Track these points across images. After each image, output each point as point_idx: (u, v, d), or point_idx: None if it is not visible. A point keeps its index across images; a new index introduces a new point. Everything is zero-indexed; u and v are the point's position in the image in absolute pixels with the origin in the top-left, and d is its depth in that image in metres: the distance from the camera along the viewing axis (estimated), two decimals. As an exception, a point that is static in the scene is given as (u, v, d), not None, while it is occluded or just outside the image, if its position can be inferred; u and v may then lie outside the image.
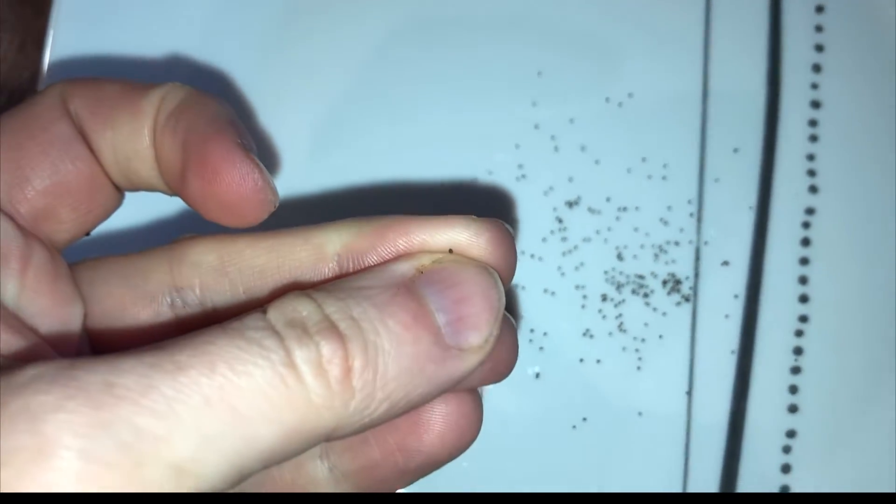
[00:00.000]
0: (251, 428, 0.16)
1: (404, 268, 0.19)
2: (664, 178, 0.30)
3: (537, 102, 0.30)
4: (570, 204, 0.30)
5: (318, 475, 0.22)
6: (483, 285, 0.19)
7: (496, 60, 0.31)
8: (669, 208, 0.30)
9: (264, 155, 0.30)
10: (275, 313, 0.18)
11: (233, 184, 0.21)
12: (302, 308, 0.18)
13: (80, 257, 0.22)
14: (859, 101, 0.30)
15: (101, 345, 0.22)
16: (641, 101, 0.30)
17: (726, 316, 0.29)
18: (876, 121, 0.30)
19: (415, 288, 0.19)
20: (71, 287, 0.21)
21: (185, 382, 0.16)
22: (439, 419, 0.21)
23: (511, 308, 0.30)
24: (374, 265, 0.20)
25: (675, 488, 0.29)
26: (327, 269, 0.21)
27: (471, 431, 0.21)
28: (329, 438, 0.18)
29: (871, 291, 0.30)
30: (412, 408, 0.18)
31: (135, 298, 0.22)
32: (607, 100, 0.30)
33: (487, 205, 0.30)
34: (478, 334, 0.19)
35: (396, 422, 0.20)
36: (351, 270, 0.21)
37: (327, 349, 0.17)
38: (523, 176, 0.30)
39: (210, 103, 0.22)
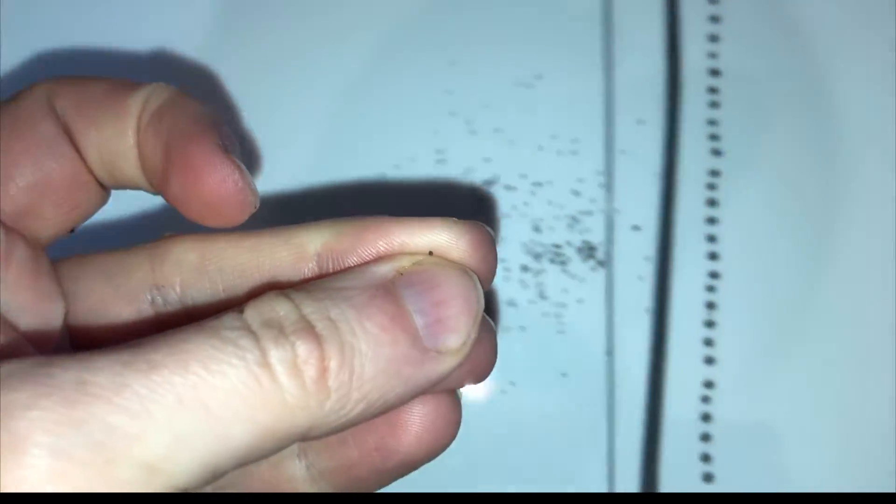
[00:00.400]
0: (224, 427, 0.16)
1: (384, 269, 0.20)
2: (574, 152, 0.32)
3: (452, 91, 0.32)
4: (488, 183, 0.32)
5: (295, 474, 0.22)
6: (462, 288, 0.19)
7: (412, 54, 0.33)
8: (580, 180, 0.32)
9: (247, 156, 0.31)
10: (251, 313, 0.18)
11: (213, 184, 0.21)
12: (279, 308, 0.18)
13: (64, 254, 0.23)
14: (756, 67, 0.32)
15: (82, 342, 0.22)
16: (549, 82, 0.32)
17: (639, 277, 0.31)
18: (773, 85, 0.32)
19: (394, 289, 0.19)
20: (53, 284, 0.22)
21: (158, 381, 0.16)
22: (417, 420, 0.21)
23: (490, 311, 0.32)
24: (354, 266, 0.20)
25: (601, 443, 0.30)
26: (307, 269, 0.21)
27: (448, 433, 0.21)
28: (304, 438, 0.18)
29: (776, 242, 0.31)
30: (389, 409, 0.19)
31: (116, 296, 0.22)
32: (517, 83, 0.32)
33: (413, 192, 0.32)
34: (456, 337, 0.19)
35: (374, 422, 0.21)
36: (331, 271, 0.21)
37: (303, 349, 0.17)
38: (443, 160, 0.32)
39: (194, 104, 0.22)
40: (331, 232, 0.21)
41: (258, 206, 0.22)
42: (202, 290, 0.22)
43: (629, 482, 0.30)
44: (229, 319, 0.18)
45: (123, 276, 0.22)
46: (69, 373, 0.16)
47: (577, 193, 0.32)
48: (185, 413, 0.16)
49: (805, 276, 0.31)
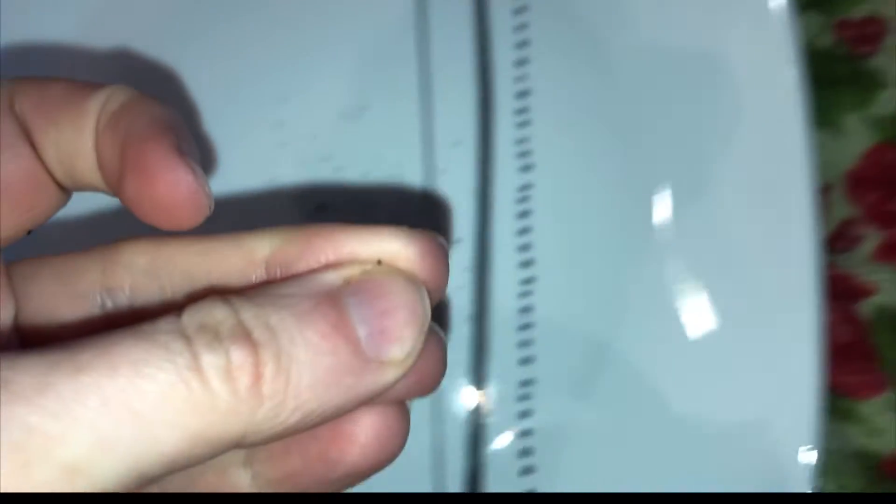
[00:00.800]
0: (151, 431, 0.16)
1: (330, 278, 0.19)
2: (399, 176, 0.34)
3: (283, 123, 0.35)
4: (319, 208, 0.34)
5: (240, 482, 0.22)
6: (408, 297, 0.19)
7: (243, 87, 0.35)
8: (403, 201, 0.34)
9: (204, 158, 0.32)
10: (188, 317, 0.17)
11: (167, 187, 0.20)
12: (217, 313, 0.18)
13: (22, 255, 0.23)
14: (563, 87, 0.35)
15: (32, 343, 0.22)
16: (373, 112, 0.35)
17: (460, 287, 0.34)
18: (579, 103, 0.35)
19: (338, 298, 0.19)
20: (3, 284, 0.21)
21: (84, 382, 0.16)
22: (362, 431, 0.21)
23: (442, 322, 0.34)
24: (301, 274, 0.20)
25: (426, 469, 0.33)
26: (255, 275, 0.21)
27: (395, 444, 0.21)
28: (239, 446, 0.17)
29: (586, 246, 0.34)
30: (328, 419, 0.18)
31: (66, 298, 0.22)
32: (344, 115, 0.35)
33: (242, 214, 0.34)
34: (399, 347, 0.19)
35: (317, 431, 0.20)
36: (279, 278, 0.20)
37: (237, 356, 0.17)
38: (275, 187, 0.35)
39: (152, 106, 0.21)
40: (281, 238, 0.21)
41: (213, 209, 0.21)
42: (151, 294, 0.22)
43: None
44: (165, 323, 0.17)
45: (74, 278, 0.22)
46: None
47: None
48: (110, 415, 0.16)
49: (617, 279, 0.34)
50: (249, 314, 0.18)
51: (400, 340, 0.19)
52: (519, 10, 0.35)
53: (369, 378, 0.18)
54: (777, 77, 0.33)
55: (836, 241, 0.38)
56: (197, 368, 0.17)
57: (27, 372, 0.16)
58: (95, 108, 0.21)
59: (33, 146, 0.21)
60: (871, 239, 0.38)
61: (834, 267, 0.38)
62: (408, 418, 0.21)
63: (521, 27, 0.35)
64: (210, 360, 0.17)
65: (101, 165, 0.21)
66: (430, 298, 0.20)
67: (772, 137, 0.33)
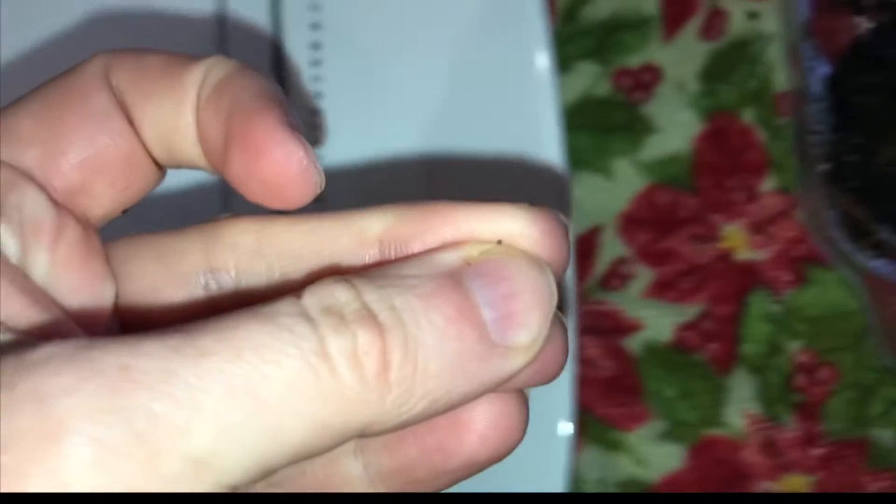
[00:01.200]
0: (278, 420, 0.15)
1: (451, 258, 0.18)
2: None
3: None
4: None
5: (351, 472, 0.21)
6: (534, 280, 0.18)
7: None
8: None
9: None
10: (310, 299, 0.17)
11: (276, 164, 0.19)
12: (339, 294, 0.17)
13: (116, 234, 0.22)
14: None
15: (132, 326, 0.21)
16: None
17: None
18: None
19: (461, 280, 0.18)
20: (103, 264, 0.21)
21: (207, 369, 0.15)
22: (481, 420, 0.20)
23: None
24: (418, 253, 0.19)
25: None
26: (368, 255, 0.20)
27: (515, 434, 0.20)
28: (362, 435, 0.17)
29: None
30: (453, 407, 0.18)
31: (168, 278, 0.21)
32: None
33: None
34: (526, 332, 0.18)
35: (435, 420, 0.19)
36: (393, 258, 0.19)
37: (364, 340, 0.16)
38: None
39: (256, 78, 0.20)
40: (394, 216, 0.20)
41: (324, 186, 0.20)
42: (258, 275, 0.21)
43: None
44: (286, 305, 0.16)
45: (176, 258, 0.21)
46: (113, 357, 0.15)
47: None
48: (235, 404, 0.15)
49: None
50: (373, 296, 0.17)
51: (527, 325, 0.18)
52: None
53: (496, 364, 0.18)
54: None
55: (608, 280, 0.40)
56: (324, 354, 0.16)
57: (148, 357, 0.15)
58: (196, 80, 0.20)
59: (130, 122, 0.21)
60: (642, 277, 0.40)
61: (604, 304, 0.40)
62: (527, 407, 0.20)
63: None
64: (337, 345, 0.16)
65: (202, 141, 0.20)
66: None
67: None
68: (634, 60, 0.42)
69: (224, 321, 0.16)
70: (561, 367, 0.20)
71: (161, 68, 0.21)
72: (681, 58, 0.41)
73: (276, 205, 0.20)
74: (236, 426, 0.15)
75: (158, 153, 0.21)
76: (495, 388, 0.18)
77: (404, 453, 0.20)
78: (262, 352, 0.15)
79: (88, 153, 0.20)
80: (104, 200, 0.21)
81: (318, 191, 0.20)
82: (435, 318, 0.17)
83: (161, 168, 0.22)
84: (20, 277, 0.19)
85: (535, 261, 0.19)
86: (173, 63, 0.21)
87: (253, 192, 0.20)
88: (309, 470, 0.21)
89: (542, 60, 0.37)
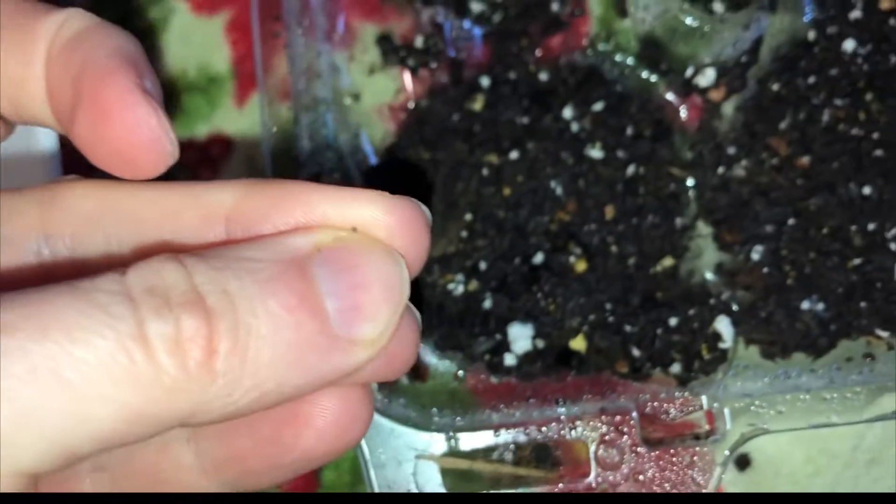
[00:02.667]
0: (84, 406, 0.14)
1: (299, 242, 0.17)
2: None
3: None
4: None
5: (182, 460, 0.19)
6: (385, 271, 0.17)
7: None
8: None
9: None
10: (134, 276, 0.15)
11: (126, 128, 0.18)
12: (167, 274, 0.16)
13: None
14: None
15: None
16: None
17: None
18: None
19: (307, 266, 0.16)
20: None
21: (9, 346, 0.14)
22: (320, 415, 0.18)
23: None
24: (266, 236, 0.18)
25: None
26: (213, 233, 0.18)
27: (355, 431, 0.19)
28: (184, 425, 0.16)
29: None
30: (286, 400, 0.16)
31: None
32: None
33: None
34: (372, 326, 0.17)
35: (271, 412, 0.18)
36: (240, 238, 0.18)
37: (189, 325, 0.15)
38: None
39: (114, 36, 0.19)
40: (244, 192, 0.18)
41: (177, 157, 0.18)
42: (95, 245, 0.19)
43: None
44: (106, 282, 0.15)
45: (8, 219, 0.19)
46: None
47: None
48: (37, 385, 0.14)
49: None
50: (205, 278, 0.16)
51: (373, 319, 0.17)
52: None
53: (336, 358, 0.16)
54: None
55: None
56: (142, 338, 0.15)
57: None
58: (48, 32, 0.18)
59: None
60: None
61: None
62: (371, 403, 0.19)
63: None
64: (157, 329, 0.15)
65: (50, 97, 0.19)
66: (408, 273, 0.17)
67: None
68: (200, 129, 0.39)
69: (35, 294, 0.15)
70: (409, 364, 0.19)
71: (10, 15, 0.19)
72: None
73: (124, 173, 0.19)
74: (35, 409, 0.14)
75: (5, 107, 0.19)
76: (336, 382, 0.17)
77: (237, 443, 0.19)
78: (73, 330, 0.14)
79: None
80: None
81: (171, 161, 0.18)
82: (272, 306, 0.16)
83: (8, 124, 0.20)
84: None
85: (388, 251, 0.17)
86: (25, 11, 0.19)
87: (100, 157, 0.18)
88: (138, 455, 0.19)
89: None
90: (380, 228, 0.18)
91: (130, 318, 0.15)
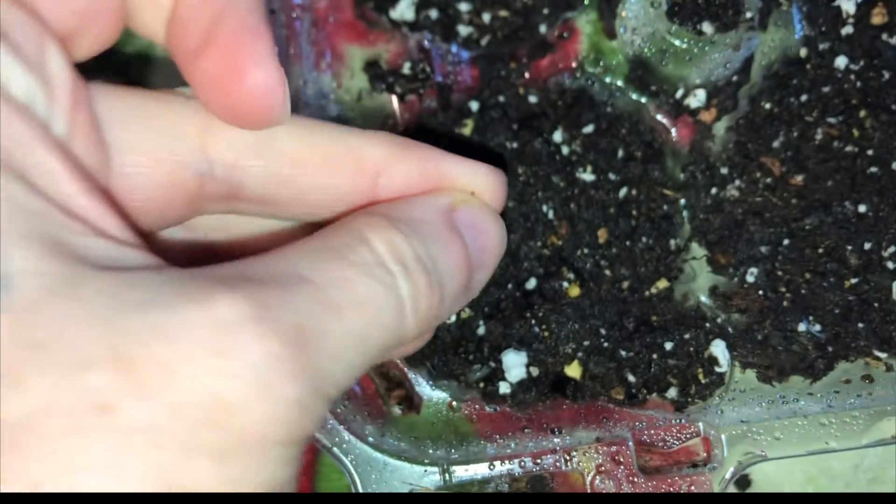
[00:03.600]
0: (367, 344, 0.18)
1: (444, 202, 0.22)
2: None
3: None
4: None
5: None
6: (500, 239, 0.23)
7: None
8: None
9: None
10: (380, 247, 0.20)
11: (255, 90, 0.19)
12: (399, 244, 0.20)
13: None
14: None
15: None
16: None
17: None
18: None
19: (457, 228, 0.22)
20: (100, 130, 0.19)
21: (321, 298, 0.18)
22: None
23: None
24: (419, 195, 0.22)
25: None
26: (364, 181, 0.22)
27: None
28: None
29: None
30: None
31: (158, 159, 0.20)
32: None
33: None
34: (483, 277, 0.23)
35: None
36: (390, 188, 0.22)
37: (423, 286, 0.20)
38: None
39: None
40: (391, 151, 0.22)
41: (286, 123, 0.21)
42: (255, 175, 0.21)
43: None
44: (364, 252, 0.19)
45: (169, 134, 0.20)
46: (269, 280, 0.17)
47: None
48: (342, 321, 0.18)
49: None
50: (420, 249, 0.20)
51: (486, 271, 0.23)
52: None
53: (464, 302, 0.22)
54: None
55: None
56: (399, 298, 0.19)
57: (283, 289, 0.17)
58: None
59: None
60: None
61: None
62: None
63: None
64: (407, 290, 0.19)
65: (176, 21, 0.19)
66: None
67: None
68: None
69: (310, 255, 0.18)
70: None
71: None
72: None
73: (230, 122, 0.20)
74: (358, 338, 0.18)
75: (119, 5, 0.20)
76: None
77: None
78: (362, 304, 0.18)
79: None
80: (81, 52, 0.20)
81: (281, 124, 0.20)
82: (452, 266, 0.21)
83: (116, 23, 0.20)
84: (83, 172, 0.18)
85: (500, 220, 0.23)
86: None
87: (213, 100, 0.20)
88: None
89: None
90: (488, 196, 0.23)
91: (394, 285, 0.19)
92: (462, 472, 0.32)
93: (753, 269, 0.36)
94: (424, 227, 0.21)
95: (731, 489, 0.37)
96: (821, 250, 0.36)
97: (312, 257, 0.18)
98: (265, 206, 0.22)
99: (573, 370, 0.35)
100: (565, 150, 0.37)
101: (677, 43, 0.35)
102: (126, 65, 0.40)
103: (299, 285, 0.17)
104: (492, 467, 0.33)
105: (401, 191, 0.22)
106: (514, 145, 0.37)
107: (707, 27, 0.35)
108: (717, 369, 0.35)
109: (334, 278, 0.18)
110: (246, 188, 0.21)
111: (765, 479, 0.39)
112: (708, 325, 0.35)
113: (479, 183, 0.23)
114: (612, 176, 0.37)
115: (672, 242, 0.36)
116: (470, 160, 0.23)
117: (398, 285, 0.19)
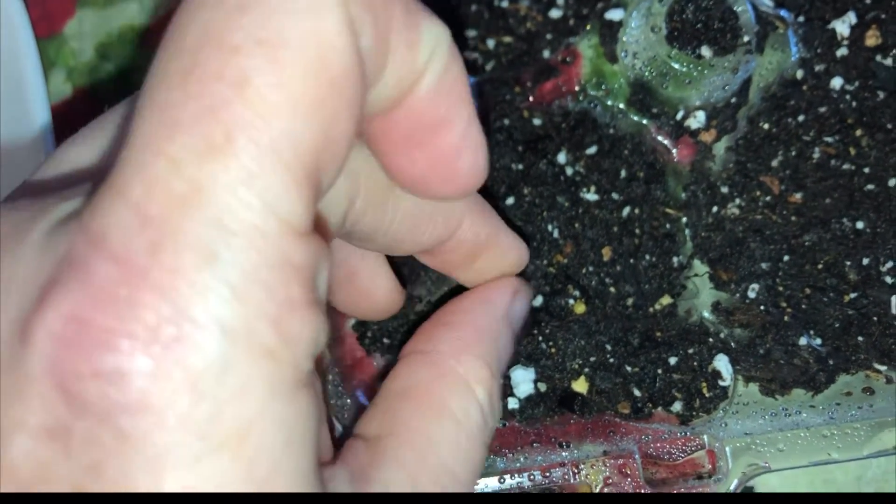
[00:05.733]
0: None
1: (506, 305, 0.27)
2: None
3: None
4: None
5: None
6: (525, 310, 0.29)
7: None
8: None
9: None
10: (481, 393, 0.23)
11: (467, 173, 0.21)
12: (493, 389, 0.24)
13: None
14: None
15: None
16: None
17: None
18: None
19: (511, 323, 0.27)
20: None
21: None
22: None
23: None
24: (487, 303, 0.27)
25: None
26: (449, 232, 0.25)
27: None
28: None
29: None
30: None
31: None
32: None
33: None
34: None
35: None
36: (461, 241, 0.26)
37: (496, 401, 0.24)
38: None
39: (461, 69, 0.20)
40: (468, 215, 0.26)
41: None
42: (367, 224, 0.23)
43: None
44: (468, 403, 0.23)
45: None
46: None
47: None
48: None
49: None
50: (499, 369, 0.25)
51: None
52: None
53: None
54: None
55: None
56: (483, 427, 0.23)
57: None
58: (423, 54, 0.19)
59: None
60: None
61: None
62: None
63: None
64: (489, 423, 0.24)
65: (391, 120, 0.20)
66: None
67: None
68: None
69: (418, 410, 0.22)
70: None
71: (404, 15, 0.18)
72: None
73: (416, 191, 0.22)
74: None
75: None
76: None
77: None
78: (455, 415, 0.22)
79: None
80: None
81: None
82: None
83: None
84: None
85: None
86: (413, 12, 0.18)
87: (409, 186, 0.22)
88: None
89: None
90: (518, 266, 0.29)
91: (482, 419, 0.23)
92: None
93: (755, 285, 0.37)
94: (498, 344, 0.25)
95: (737, 501, 0.37)
96: (820, 266, 0.37)
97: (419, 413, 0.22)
98: (352, 239, 0.24)
99: (580, 385, 0.36)
100: (569, 171, 0.38)
101: (677, 66, 0.36)
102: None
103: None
104: (502, 480, 0.33)
105: (467, 244, 0.26)
106: (520, 167, 0.38)
107: (706, 51, 0.36)
108: (721, 383, 0.36)
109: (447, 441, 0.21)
110: (354, 231, 0.23)
111: (768, 490, 0.40)
112: (711, 340, 0.36)
113: (516, 258, 0.28)
114: (615, 196, 0.38)
115: (675, 260, 0.37)
116: (514, 235, 0.28)
117: (487, 423, 0.23)
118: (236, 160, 0.15)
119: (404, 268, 0.36)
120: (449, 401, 0.22)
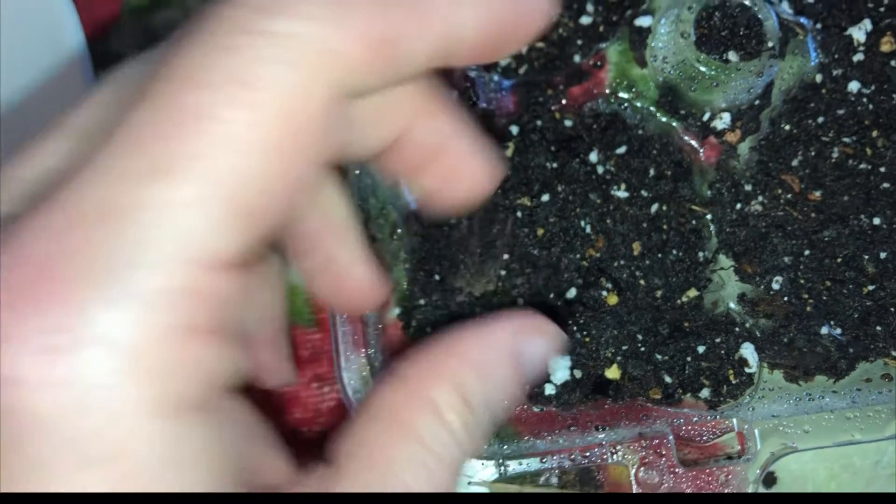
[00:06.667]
0: None
1: (512, 341, 0.25)
2: None
3: None
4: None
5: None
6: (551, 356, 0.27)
7: None
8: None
9: None
10: (455, 420, 0.22)
11: (480, 185, 0.25)
12: (459, 412, 0.22)
13: None
14: None
15: None
16: None
17: None
18: None
19: (521, 364, 0.25)
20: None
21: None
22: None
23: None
24: (492, 334, 0.25)
25: None
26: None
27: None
28: None
29: None
30: None
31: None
32: None
33: None
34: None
35: None
36: (413, 144, 0.24)
37: (475, 430, 0.23)
38: None
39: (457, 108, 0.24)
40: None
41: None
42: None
43: None
44: (437, 427, 0.22)
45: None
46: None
47: None
48: None
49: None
50: (484, 397, 0.23)
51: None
52: None
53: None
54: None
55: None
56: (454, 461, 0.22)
57: None
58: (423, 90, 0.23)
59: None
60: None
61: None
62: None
63: None
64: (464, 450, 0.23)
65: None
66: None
67: None
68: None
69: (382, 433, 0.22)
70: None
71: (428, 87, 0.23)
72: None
73: (443, 212, 0.25)
74: None
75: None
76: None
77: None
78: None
79: None
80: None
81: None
82: (505, 401, 0.24)
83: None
84: None
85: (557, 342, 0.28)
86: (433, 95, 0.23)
87: (426, 205, 0.25)
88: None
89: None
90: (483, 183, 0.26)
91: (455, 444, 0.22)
92: (516, 466, 0.35)
93: (778, 278, 0.39)
94: (489, 380, 0.23)
95: (759, 486, 0.39)
96: (839, 260, 0.39)
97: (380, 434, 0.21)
98: None
99: (613, 372, 0.38)
100: (600, 169, 0.40)
101: (704, 70, 0.38)
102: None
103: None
104: (543, 461, 0.35)
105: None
106: (554, 165, 0.40)
107: (732, 56, 0.38)
108: (747, 370, 0.37)
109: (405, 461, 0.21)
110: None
111: (789, 475, 0.41)
112: (737, 329, 0.38)
113: (479, 166, 0.25)
114: (644, 193, 0.40)
115: (700, 254, 0.39)
116: (478, 143, 0.25)
117: (462, 449, 0.22)
118: (173, 187, 0.15)
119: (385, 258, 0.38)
120: (415, 423, 0.21)
